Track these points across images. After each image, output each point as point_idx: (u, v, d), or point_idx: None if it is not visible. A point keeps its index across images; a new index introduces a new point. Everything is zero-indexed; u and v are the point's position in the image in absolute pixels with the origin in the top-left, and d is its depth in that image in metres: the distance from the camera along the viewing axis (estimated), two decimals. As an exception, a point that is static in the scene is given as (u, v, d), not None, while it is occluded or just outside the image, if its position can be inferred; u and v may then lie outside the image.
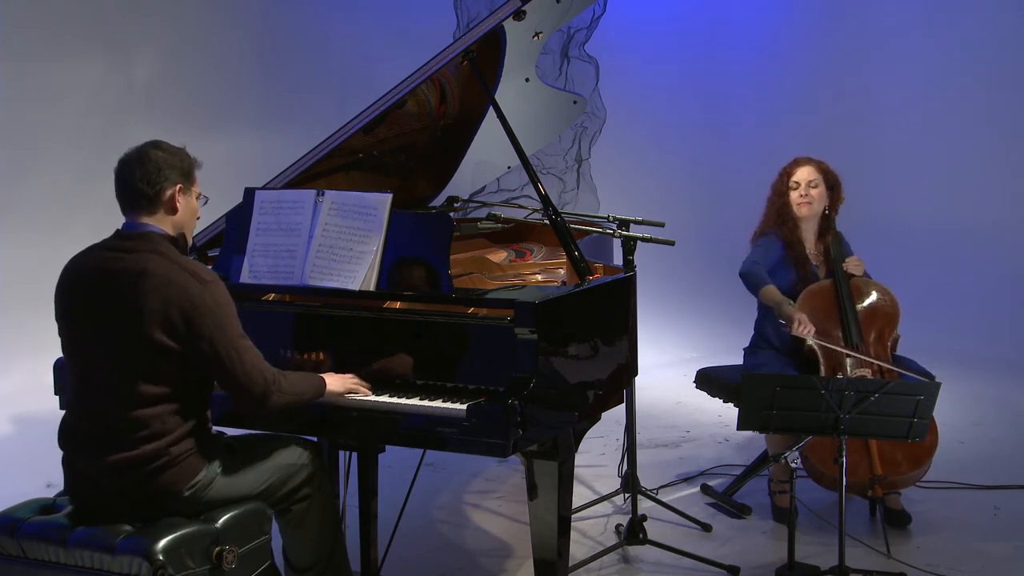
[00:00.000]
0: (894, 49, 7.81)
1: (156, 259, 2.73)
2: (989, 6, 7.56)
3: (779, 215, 4.35)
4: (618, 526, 4.15)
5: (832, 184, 4.36)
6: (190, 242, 2.97)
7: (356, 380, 3.04)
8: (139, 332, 2.67)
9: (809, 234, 4.38)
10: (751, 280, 4.27)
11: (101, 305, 2.72)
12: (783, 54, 8.18)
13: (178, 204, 2.84)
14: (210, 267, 3.22)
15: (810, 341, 4.09)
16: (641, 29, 8.31)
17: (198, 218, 2.98)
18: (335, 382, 2.99)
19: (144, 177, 2.79)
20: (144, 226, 2.81)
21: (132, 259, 2.73)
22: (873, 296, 4.27)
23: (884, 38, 7.84)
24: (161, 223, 2.82)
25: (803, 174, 4.33)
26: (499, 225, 4.14)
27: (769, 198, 4.43)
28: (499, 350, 2.96)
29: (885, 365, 4.12)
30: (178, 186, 2.84)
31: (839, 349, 4.12)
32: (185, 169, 2.86)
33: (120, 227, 2.84)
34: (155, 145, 2.85)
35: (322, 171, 3.82)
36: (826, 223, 4.37)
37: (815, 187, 4.32)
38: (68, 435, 2.81)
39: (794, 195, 4.32)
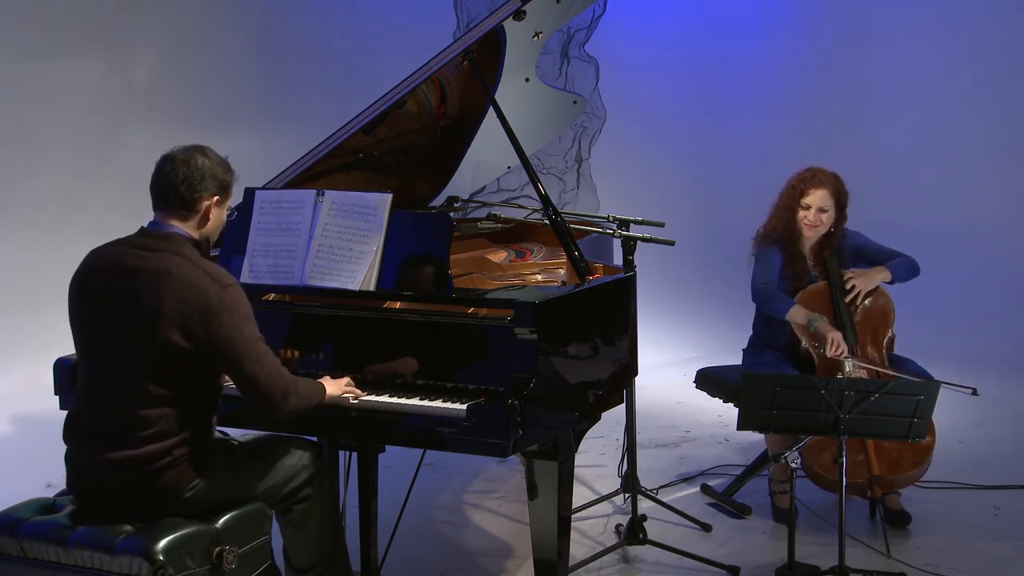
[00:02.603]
0: (895, 49, 7.81)
1: (179, 261, 2.73)
2: (990, 6, 7.56)
3: (786, 230, 4.29)
4: (618, 526, 4.15)
5: (842, 204, 4.28)
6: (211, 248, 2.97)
7: (351, 384, 3.04)
8: (155, 332, 2.67)
9: (810, 245, 4.34)
10: (771, 303, 4.22)
11: (119, 302, 2.72)
12: (783, 53, 8.17)
13: (211, 215, 2.85)
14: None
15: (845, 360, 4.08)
16: (641, 29, 8.31)
17: None
18: (332, 387, 2.99)
19: (187, 181, 2.79)
20: (171, 227, 2.81)
21: (155, 259, 2.73)
22: (868, 299, 4.27)
23: (885, 38, 7.84)
24: (189, 228, 2.82)
25: (816, 199, 4.22)
26: (499, 225, 4.14)
27: (777, 206, 4.34)
28: (499, 350, 2.96)
29: (882, 370, 4.11)
30: (215, 198, 2.84)
31: (869, 366, 4.12)
32: (225, 182, 2.87)
33: (145, 225, 2.84)
34: (202, 152, 2.85)
35: (322, 171, 3.82)
36: (827, 240, 4.33)
37: (825, 212, 4.24)
38: (73, 429, 2.81)
39: (802, 214, 4.25)
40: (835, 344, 4.06)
